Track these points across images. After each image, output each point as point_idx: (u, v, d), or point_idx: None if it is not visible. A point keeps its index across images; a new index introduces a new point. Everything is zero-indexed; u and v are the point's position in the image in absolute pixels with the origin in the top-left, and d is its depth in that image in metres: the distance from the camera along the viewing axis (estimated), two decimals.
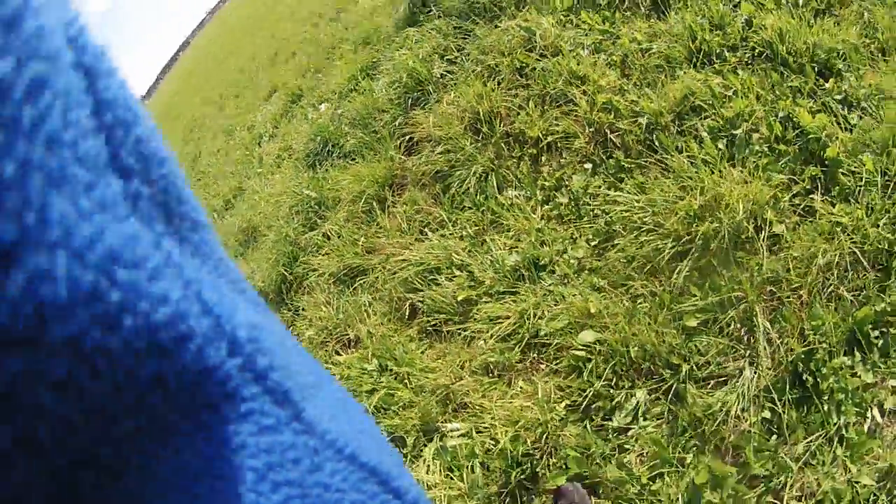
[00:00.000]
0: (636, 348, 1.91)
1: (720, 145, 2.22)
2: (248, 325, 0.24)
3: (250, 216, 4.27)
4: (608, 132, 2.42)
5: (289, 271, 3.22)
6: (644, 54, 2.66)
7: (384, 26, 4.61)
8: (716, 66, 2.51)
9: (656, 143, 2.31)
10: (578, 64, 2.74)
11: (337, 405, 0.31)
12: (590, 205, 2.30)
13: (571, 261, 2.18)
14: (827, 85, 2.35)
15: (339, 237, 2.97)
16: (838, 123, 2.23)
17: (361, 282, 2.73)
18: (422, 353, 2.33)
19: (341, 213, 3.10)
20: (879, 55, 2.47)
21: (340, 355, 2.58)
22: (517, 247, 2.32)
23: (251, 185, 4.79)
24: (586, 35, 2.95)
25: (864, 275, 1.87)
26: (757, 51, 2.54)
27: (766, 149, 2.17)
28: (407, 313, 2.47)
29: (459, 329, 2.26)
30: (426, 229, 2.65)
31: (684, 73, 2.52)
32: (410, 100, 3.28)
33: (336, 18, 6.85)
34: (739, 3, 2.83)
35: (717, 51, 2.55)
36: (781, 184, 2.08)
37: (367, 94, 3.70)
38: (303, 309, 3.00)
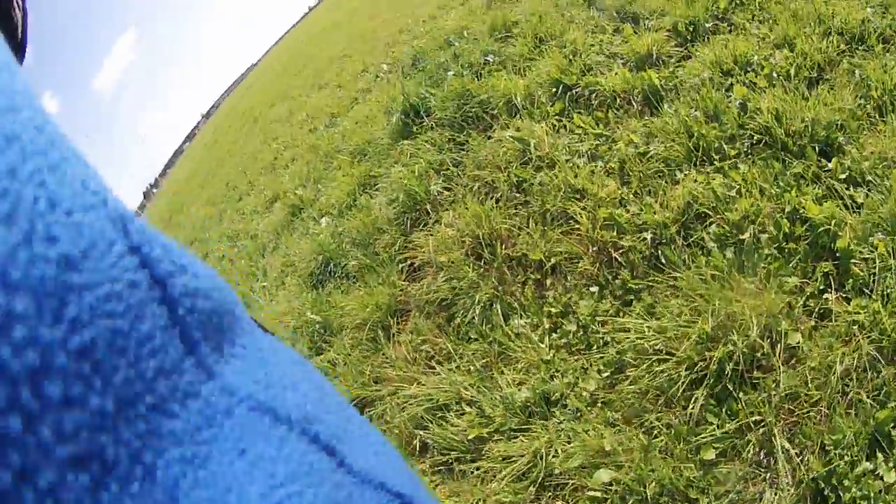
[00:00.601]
0: (653, 485, 1.84)
1: (728, 254, 2.20)
2: (295, 403, 0.27)
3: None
4: (612, 251, 2.41)
5: None
6: (642, 158, 2.69)
7: (379, 137, 4.70)
8: (716, 162, 2.53)
9: (663, 260, 2.30)
10: (576, 175, 2.76)
11: (365, 441, 0.34)
12: (599, 332, 2.26)
13: (583, 394, 2.13)
14: (830, 165, 2.36)
15: (345, 365, 2.93)
16: (846, 206, 2.23)
17: (370, 413, 2.68)
18: (434, 487, 2.26)
19: (346, 340, 3.07)
20: (877, 115, 2.49)
21: None
22: (527, 381, 2.28)
23: (256, 299, 4.78)
24: (581, 141, 2.98)
25: (883, 372, 1.82)
26: (756, 138, 2.57)
27: (775, 251, 2.15)
28: (417, 448, 2.41)
29: (472, 468, 2.19)
30: (433, 361, 2.61)
31: (685, 174, 2.53)
32: (409, 220, 3.29)
33: (331, 125, 7.00)
34: (731, 86, 2.87)
35: (716, 144, 2.58)
36: (795, 288, 2.04)
37: (366, 212, 3.73)
38: None
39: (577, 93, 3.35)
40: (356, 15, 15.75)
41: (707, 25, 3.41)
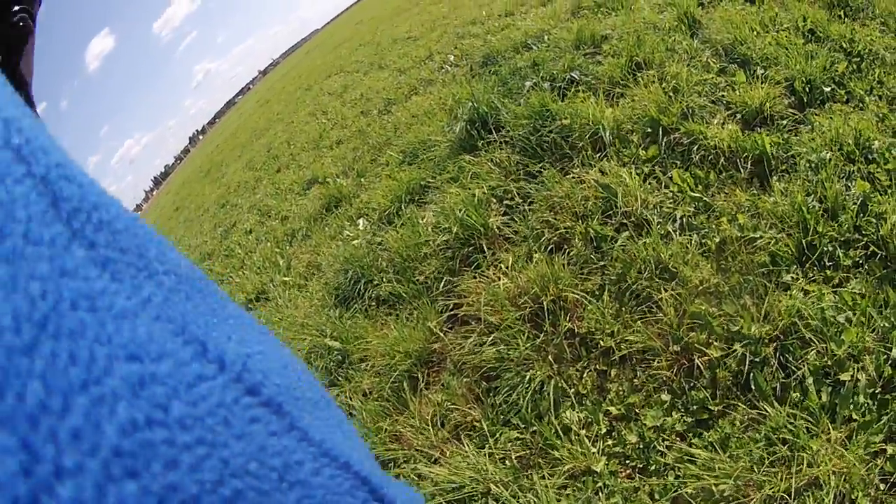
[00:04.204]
0: None
1: (824, 395, 1.85)
2: (236, 352, 0.26)
3: None
4: (696, 356, 2.03)
5: None
6: (746, 245, 2.29)
7: (436, 142, 4.36)
8: (828, 271, 2.20)
9: (752, 385, 1.95)
10: (667, 246, 2.38)
11: (333, 422, 0.34)
12: (661, 452, 1.93)
13: None
14: None
15: (362, 413, 2.59)
16: None
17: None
18: None
19: (366, 381, 2.74)
20: None
21: None
22: (568, 490, 1.93)
23: (275, 293, 4.49)
24: (676, 203, 2.60)
25: None
26: (871, 249, 2.21)
27: (870, 401, 1.80)
28: None
29: None
30: (461, 433, 2.27)
31: (793, 279, 2.16)
32: (460, 256, 2.93)
33: (385, 112, 6.69)
34: (851, 175, 2.48)
35: (830, 248, 2.22)
36: (879, 450, 1.71)
37: (411, 229, 3.40)
38: None
39: (675, 139, 2.96)
40: None
41: (826, 90, 2.99)
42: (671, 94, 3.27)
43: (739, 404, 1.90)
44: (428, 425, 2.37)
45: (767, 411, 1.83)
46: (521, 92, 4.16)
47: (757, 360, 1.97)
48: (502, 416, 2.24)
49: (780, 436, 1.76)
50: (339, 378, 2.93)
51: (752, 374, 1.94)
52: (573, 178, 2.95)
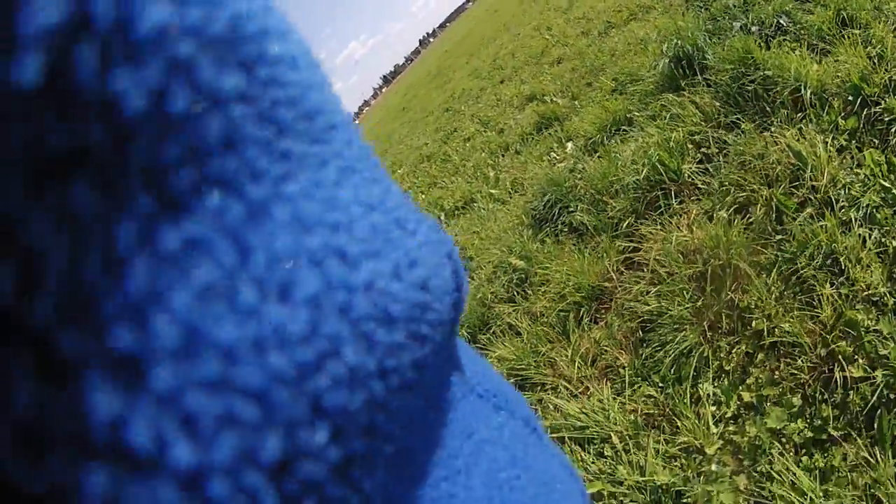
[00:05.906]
0: None
1: None
2: (503, 394, 0.30)
3: (463, 240, 4.20)
4: (837, 368, 1.86)
5: (471, 338, 3.10)
6: None
7: (643, 76, 4.18)
8: None
9: (875, 420, 1.70)
10: (844, 236, 2.14)
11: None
12: (772, 458, 1.79)
13: None
14: None
15: (527, 334, 2.73)
16: None
17: (527, 397, 2.51)
18: None
19: (539, 304, 2.87)
20: None
21: None
22: (675, 461, 1.96)
23: (478, 205, 4.72)
24: (865, 188, 2.27)
25: None
26: None
27: None
28: None
29: None
30: (607, 374, 2.34)
31: None
32: (647, 199, 2.89)
33: (604, 34, 6.46)
34: None
35: None
36: None
37: (610, 161, 3.41)
38: None
39: (875, 113, 2.53)
40: None
41: None
42: (875, 60, 2.79)
43: (858, 438, 1.69)
44: (580, 360, 2.46)
45: (878, 458, 1.61)
46: (729, 33, 3.81)
47: (892, 396, 1.71)
48: (645, 370, 2.26)
49: (877, 491, 1.56)
50: (517, 296, 3.09)
51: (879, 411, 1.70)
52: (770, 136, 2.70)
